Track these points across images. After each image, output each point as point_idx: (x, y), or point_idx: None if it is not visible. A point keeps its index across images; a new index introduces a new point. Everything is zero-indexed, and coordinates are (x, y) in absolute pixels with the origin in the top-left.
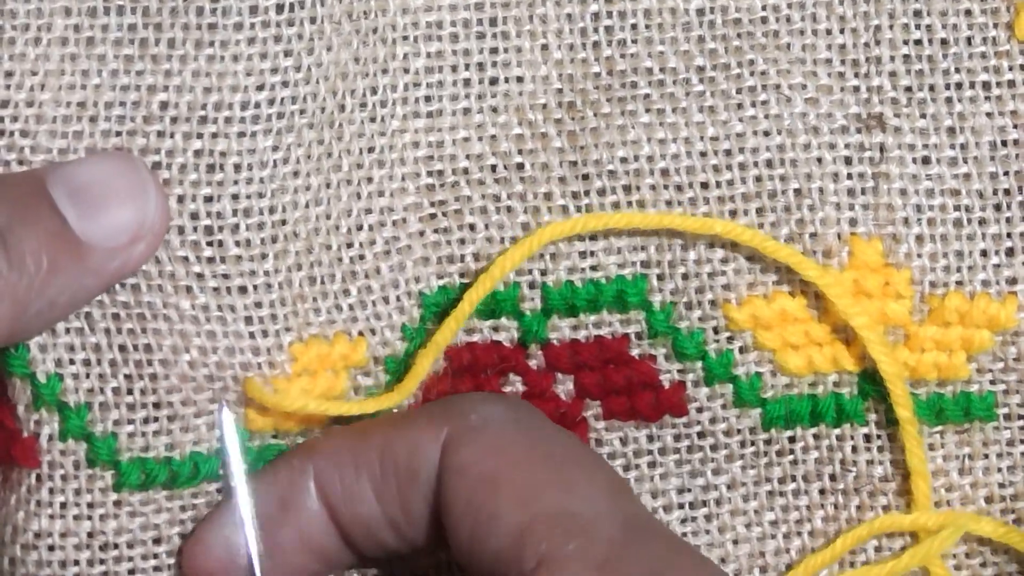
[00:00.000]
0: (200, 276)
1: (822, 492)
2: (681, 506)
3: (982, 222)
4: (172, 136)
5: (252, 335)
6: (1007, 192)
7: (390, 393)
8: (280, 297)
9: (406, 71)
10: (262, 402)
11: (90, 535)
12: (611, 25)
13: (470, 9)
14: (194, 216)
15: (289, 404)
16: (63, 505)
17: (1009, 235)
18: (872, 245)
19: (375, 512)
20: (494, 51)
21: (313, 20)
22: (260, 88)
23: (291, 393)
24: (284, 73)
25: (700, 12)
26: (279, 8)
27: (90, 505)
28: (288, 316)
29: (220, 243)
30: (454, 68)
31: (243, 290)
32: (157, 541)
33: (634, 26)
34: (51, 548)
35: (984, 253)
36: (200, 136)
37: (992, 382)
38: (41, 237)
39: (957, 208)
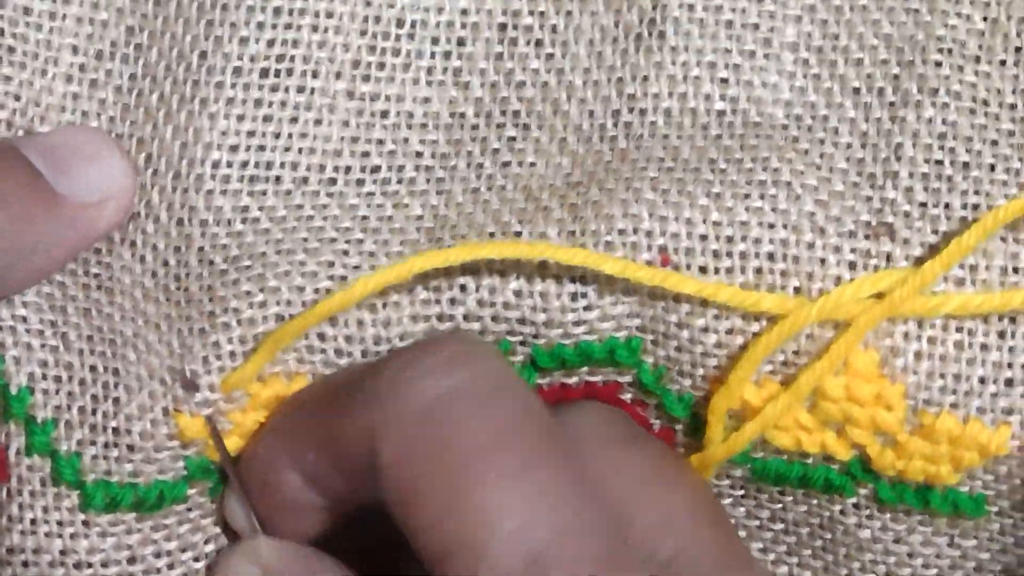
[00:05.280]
0: (168, 317)
1: (811, 535)
2: None
3: (984, 347)
4: (152, 188)
5: (208, 372)
6: (1012, 320)
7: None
8: (240, 336)
9: (419, 155)
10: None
11: (62, 552)
12: (630, 121)
13: (496, 102)
14: (165, 263)
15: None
16: (33, 521)
17: (1011, 365)
18: (868, 355)
19: (345, 485)
20: (512, 139)
21: (301, 90)
22: (234, 150)
23: (245, 424)
24: (261, 138)
25: (720, 114)
26: (263, 73)
27: (59, 523)
28: (249, 353)
29: (187, 289)
30: (470, 153)
31: (203, 332)
32: (132, 560)
33: (653, 123)
34: (25, 564)
35: (982, 380)
36: (174, 191)
37: (983, 486)
38: (11, 186)
39: (959, 330)
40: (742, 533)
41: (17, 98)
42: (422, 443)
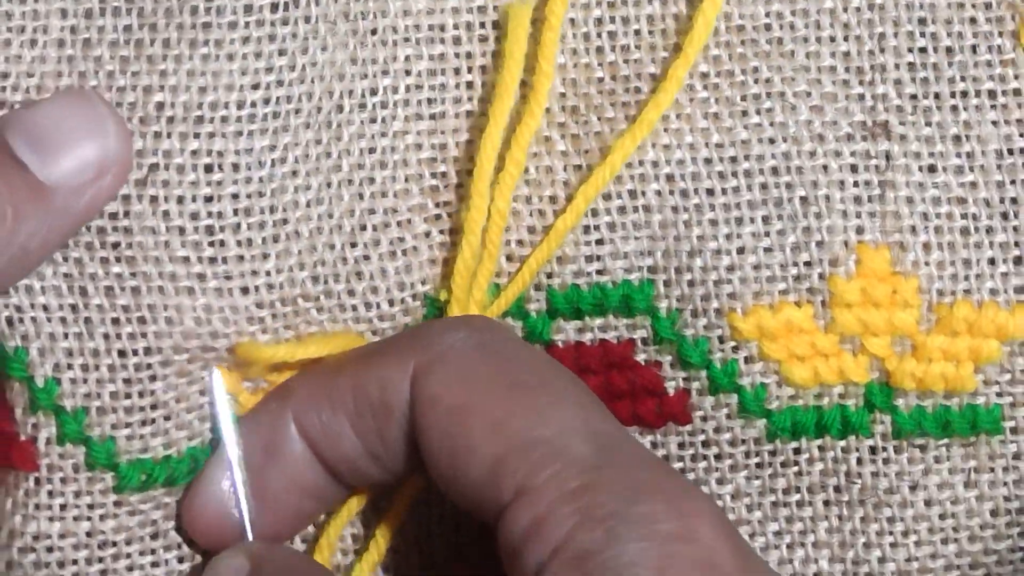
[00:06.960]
0: (201, 277)
1: (826, 503)
2: None
3: (989, 230)
4: (169, 137)
5: (253, 335)
6: (1014, 200)
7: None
8: (281, 297)
9: (408, 73)
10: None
11: (88, 534)
12: (614, 31)
13: (473, 12)
14: (194, 216)
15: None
16: (63, 507)
17: (1017, 243)
18: (879, 253)
19: (356, 447)
20: (497, 54)
21: (307, 19)
22: (255, 87)
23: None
24: (279, 72)
25: None
26: (273, 7)
27: (90, 506)
28: (289, 315)
29: (222, 243)
30: (457, 71)
31: (245, 291)
32: (154, 536)
33: (637, 32)
34: (49, 549)
35: (992, 261)
36: (197, 136)
37: (999, 394)
38: (1, 188)
39: (964, 216)
40: (757, 514)
41: (6, 75)
42: (476, 368)
